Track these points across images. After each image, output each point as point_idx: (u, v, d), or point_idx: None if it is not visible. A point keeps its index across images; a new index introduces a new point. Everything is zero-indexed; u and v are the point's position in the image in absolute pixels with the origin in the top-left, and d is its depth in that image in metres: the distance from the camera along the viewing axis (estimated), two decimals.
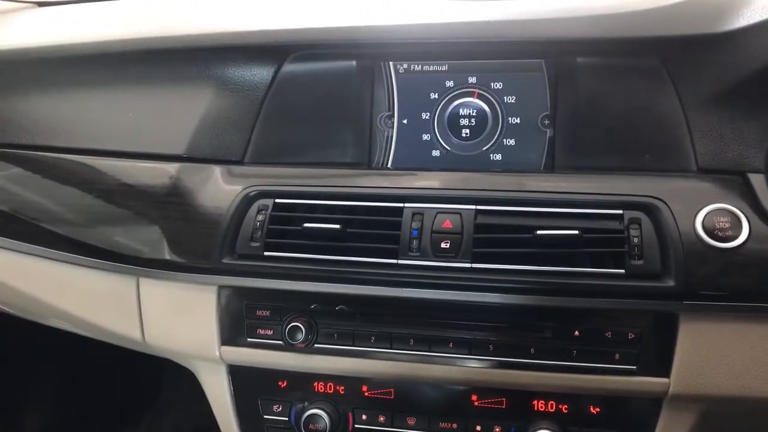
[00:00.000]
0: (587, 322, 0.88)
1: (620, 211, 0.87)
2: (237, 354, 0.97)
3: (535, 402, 0.92)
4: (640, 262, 0.85)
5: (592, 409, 0.90)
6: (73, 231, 1.06)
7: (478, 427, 0.93)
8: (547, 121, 0.97)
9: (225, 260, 0.95)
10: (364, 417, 0.96)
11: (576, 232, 0.86)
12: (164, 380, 1.94)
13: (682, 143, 0.90)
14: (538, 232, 0.87)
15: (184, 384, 1.91)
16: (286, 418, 0.98)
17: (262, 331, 0.96)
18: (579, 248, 0.87)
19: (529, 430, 0.91)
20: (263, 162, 1.02)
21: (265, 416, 0.99)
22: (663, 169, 0.91)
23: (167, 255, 0.98)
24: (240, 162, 1.02)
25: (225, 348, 0.98)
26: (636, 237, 0.86)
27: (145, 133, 1.06)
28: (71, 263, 1.06)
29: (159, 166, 1.03)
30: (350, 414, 0.96)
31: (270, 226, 0.94)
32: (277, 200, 0.96)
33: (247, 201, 0.96)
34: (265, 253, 0.94)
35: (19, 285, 1.13)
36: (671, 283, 0.84)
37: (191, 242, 0.97)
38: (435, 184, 0.94)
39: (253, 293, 0.96)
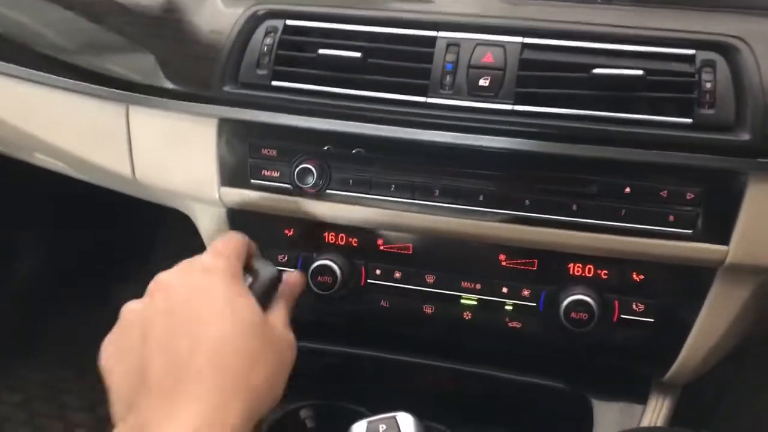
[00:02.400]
0: (641, 177, 0.76)
1: (692, 51, 0.74)
2: (239, 196, 0.87)
3: (571, 265, 0.82)
4: (711, 111, 0.73)
5: (635, 276, 0.80)
6: (55, 51, 0.93)
7: (505, 290, 0.84)
8: None
9: (226, 88, 0.82)
10: (378, 272, 0.87)
11: (640, 72, 0.73)
12: (159, 233, 1.87)
13: None
14: (595, 71, 0.74)
15: (181, 237, 1.86)
16: (293, 270, 0.89)
17: (267, 173, 0.85)
18: (641, 92, 0.74)
19: (562, 295, 0.81)
20: None
21: None
22: (746, 6, 0.77)
23: (160, 80, 0.85)
24: None
25: (225, 189, 0.87)
26: (708, 82, 0.73)
27: None
28: (54, 86, 0.93)
29: None
30: (363, 268, 0.87)
31: (279, 52, 0.81)
32: (288, 21, 0.82)
33: (253, 21, 0.82)
34: (273, 83, 0.81)
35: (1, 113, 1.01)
36: (746, 136, 0.71)
37: (188, 67, 0.84)
38: (475, 10, 0.80)
39: (258, 129, 0.84)
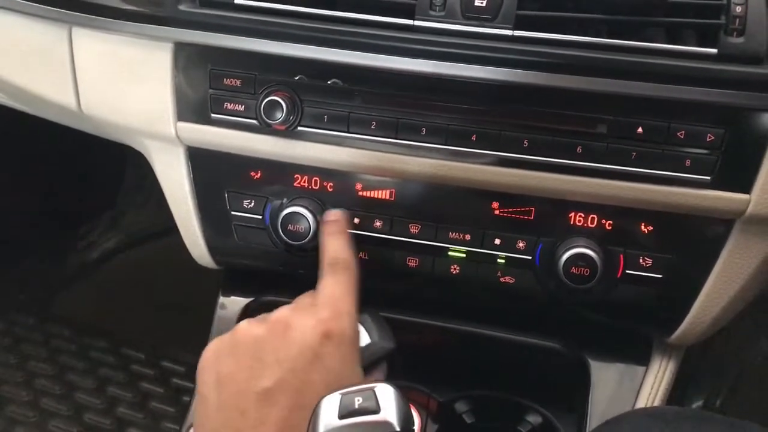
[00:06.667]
0: (656, 116, 0.67)
1: None
2: (198, 133, 0.76)
3: (572, 215, 0.73)
4: (740, 40, 0.64)
5: (643, 227, 0.72)
6: None
7: (497, 241, 0.75)
8: None
9: (182, 7, 0.72)
10: (356, 221, 0.77)
11: None
12: (124, 177, 1.76)
13: None
14: None
15: (147, 179, 1.75)
16: (260, 216, 0.79)
17: (231, 106, 0.75)
18: (660, 17, 0.66)
19: (561, 247, 0.73)
20: None
21: (233, 212, 0.80)
22: None
23: None
24: None
25: (182, 125, 0.77)
26: (739, 5, 0.64)
27: None
28: None
29: None
30: None
31: None
32: None
33: None
34: (237, 0, 0.70)
35: None
36: None
37: None
38: None
39: (219, 55, 0.74)
